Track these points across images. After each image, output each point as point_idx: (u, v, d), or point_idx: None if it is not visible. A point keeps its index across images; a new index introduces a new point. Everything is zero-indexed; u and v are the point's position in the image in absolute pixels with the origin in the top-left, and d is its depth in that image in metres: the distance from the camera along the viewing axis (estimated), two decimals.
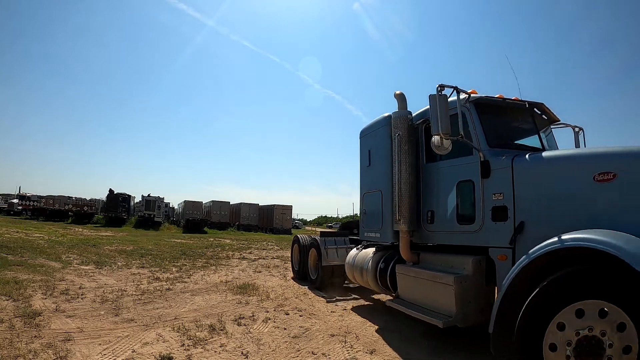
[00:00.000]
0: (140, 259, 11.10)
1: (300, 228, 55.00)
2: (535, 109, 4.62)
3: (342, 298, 7.08)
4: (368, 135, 6.11)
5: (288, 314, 5.58)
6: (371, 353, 4.08)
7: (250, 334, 4.54)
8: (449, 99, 4.00)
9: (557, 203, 3.35)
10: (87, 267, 9.05)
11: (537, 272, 2.93)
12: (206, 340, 4.23)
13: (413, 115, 5.16)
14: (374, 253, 5.83)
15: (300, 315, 5.55)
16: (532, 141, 4.50)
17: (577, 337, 2.52)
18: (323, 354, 4.01)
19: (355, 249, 6.67)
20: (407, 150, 4.90)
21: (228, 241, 22.17)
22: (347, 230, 8.93)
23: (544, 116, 4.80)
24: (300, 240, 8.94)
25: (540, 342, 2.65)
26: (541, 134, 4.66)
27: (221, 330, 4.62)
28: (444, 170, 4.62)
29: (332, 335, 4.64)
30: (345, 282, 7.72)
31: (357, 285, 6.99)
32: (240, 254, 14.39)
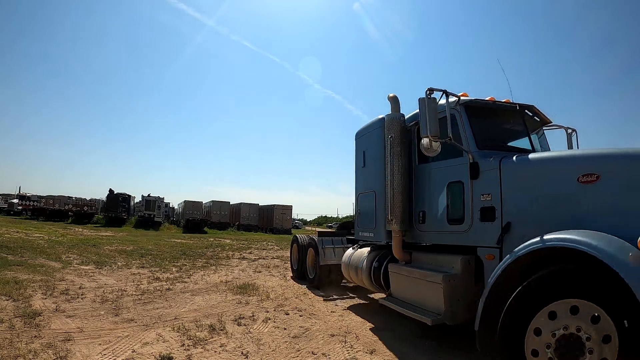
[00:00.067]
0: (140, 259, 11.17)
1: (300, 228, 55.05)
2: (526, 111, 4.68)
3: (339, 297, 7.18)
4: (363, 137, 6.21)
5: (288, 314, 5.62)
6: (371, 353, 4.10)
7: (250, 334, 4.56)
8: (440, 102, 4.09)
9: (543, 204, 3.43)
10: (87, 267, 9.11)
11: (522, 272, 3.01)
12: (206, 340, 4.25)
13: (406, 117, 5.24)
14: (369, 252, 5.93)
15: (300, 315, 5.59)
16: (524, 143, 4.55)
17: (554, 338, 2.60)
18: (323, 354, 4.03)
19: (351, 248, 6.77)
20: (399, 152, 4.99)
21: (228, 241, 22.25)
22: (345, 230, 9.05)
23: (536, 118, 4.87)
24: (299, 240, 9.07)
25: (522, 342, 2.75)
26: (533, 136, 4.74)
27: (221, 330, 4.64)
28: (435, 171, 4.71)
29: (332, 335, 4.67)
30: (343, 281, 7.84)
31: (354, 284, 7.10)
32: (240, 254, 14.46)
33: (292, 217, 46.21)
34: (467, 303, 3.91)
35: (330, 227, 55.00)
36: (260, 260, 12.93)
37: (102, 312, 5.21)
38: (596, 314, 2.49)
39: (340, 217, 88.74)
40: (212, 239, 23.53)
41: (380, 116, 5.63)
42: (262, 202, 43.62)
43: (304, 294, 7.29)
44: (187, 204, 37.58)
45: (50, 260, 9.84)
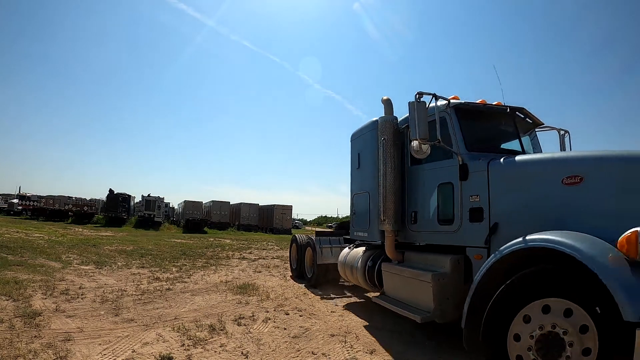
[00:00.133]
0: (140, 259, 11.20)
1: (300, 228, 55.07)
2: (517, 113, 4.75)
3: (337, 295, 7.26)
4: (357, 139, 6.30)
5: (288, 314, 5.64)
6: (371, 353, 4.12)
7: (250, 334, 4.58)
8: (431, 105, 4.18)
9: (529, 205, 3.52)
10: (87, 267, 9.14)
11: (507, 271, 3.10)
12: (206, 340, 4.26)
13: (399, 120, 5.33)
14: (364, 252, 6.03)
15: (300, 315, 5.61)
16: (515, 145, 4.62)
17: (533, 340, 2.68)
18: (323, 354, 4.05)
19: (347, 248, 6.87)
20: (392, 154, 5.08)
21: (228, 241, 22.29)
22: (343, 230, 9.13)
23: (527, 120, 4.93)
24: (298, 239, 9.21)
25: (505, 334, 2.83)
26: (525, 138, 4.83)
27: (221, 330, 4.65)
28: (427, 172, 4.79)
29: (332, 335, 4.69)
30: (340, 280, 7.94)
31: (351, 283, 7.19)
32: (240, 254, 14.51)
33: (292, 217, 46.23)
34: (456, 302, 3.99)
35: (330, 227, 55.03)
36: (260, 260, 12.98)
37: (102, 312, 5.24)
38: (568, 308, 2.57)
39: (340, 217, 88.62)
40: (212, 239, 23.56)
41: (374, 118, 5.72)
42: (262, 202, 43.74)
43: (304, 293, 7.33)
44: (187, 204, 37.63)
45: (50, 260, 9.87)
